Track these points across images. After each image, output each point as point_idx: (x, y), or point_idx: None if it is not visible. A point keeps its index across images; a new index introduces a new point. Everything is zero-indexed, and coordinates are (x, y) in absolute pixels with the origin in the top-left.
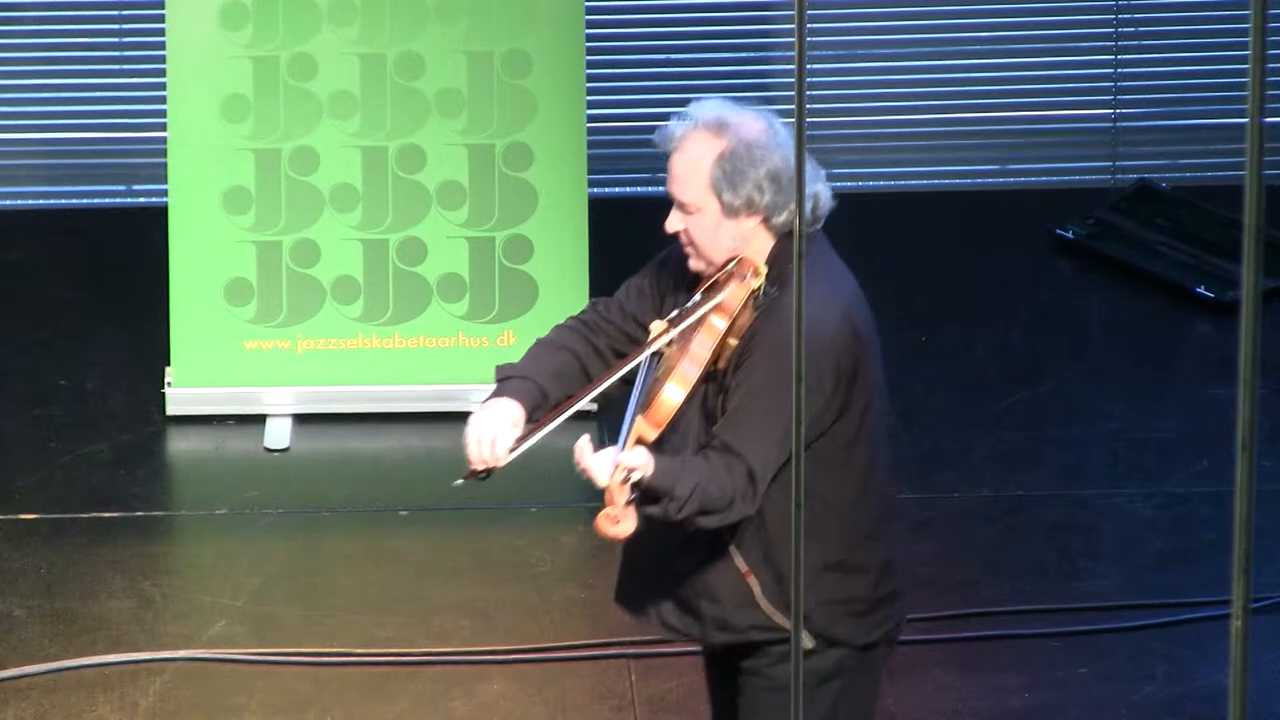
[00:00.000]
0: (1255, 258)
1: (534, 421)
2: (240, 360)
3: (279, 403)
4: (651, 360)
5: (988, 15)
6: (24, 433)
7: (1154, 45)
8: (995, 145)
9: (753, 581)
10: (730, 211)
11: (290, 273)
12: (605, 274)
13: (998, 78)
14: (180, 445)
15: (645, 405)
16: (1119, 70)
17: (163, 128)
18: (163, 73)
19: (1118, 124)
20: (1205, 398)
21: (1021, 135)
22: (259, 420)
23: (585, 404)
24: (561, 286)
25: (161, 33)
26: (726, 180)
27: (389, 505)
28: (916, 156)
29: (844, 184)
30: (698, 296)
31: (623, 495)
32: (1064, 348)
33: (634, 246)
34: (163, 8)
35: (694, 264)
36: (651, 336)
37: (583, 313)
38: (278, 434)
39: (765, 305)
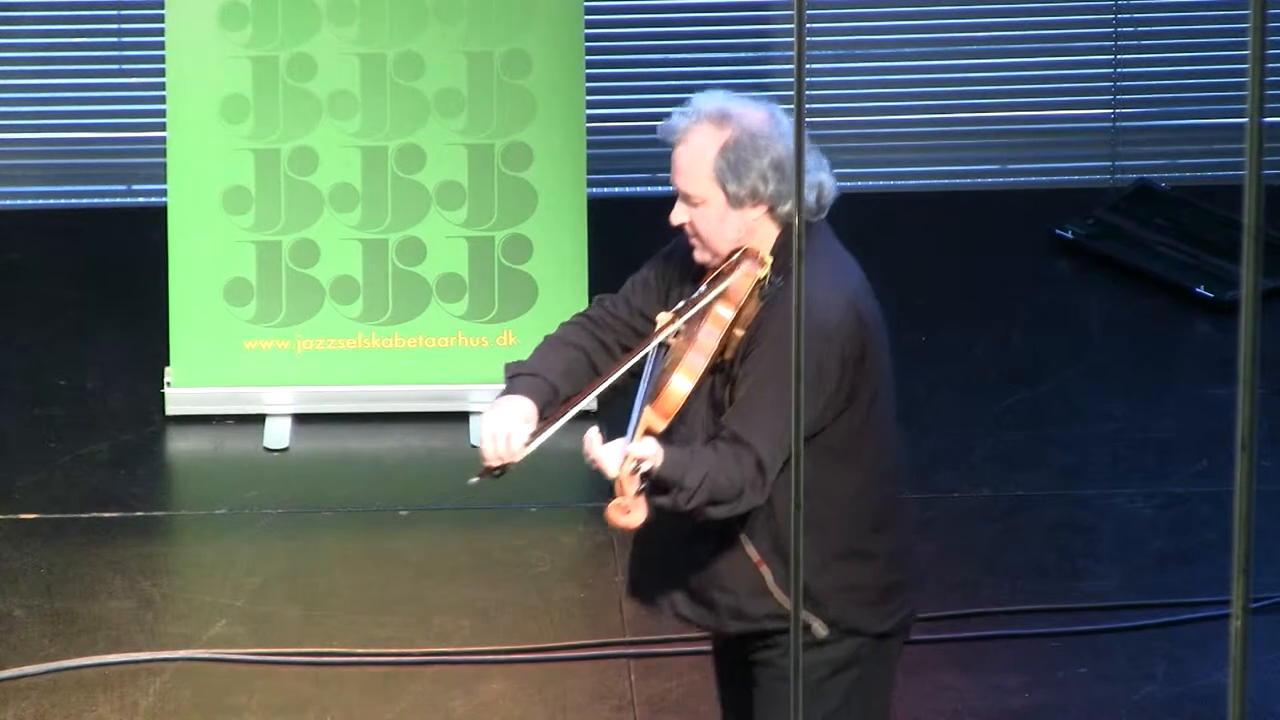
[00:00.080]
0: (1255, 258)
1: (546, 419)
2: (240, 360)
3: (279, 402)
4: (659, 352)
5: (988, 15)
6: (24, 433)
7: (1154, 45)
8: (995, 145)
9: (765, 571)
10: (735, 202)
11: (290, 273)
12: (605, 274)
13: (998, 78)
14: (180, 445)
15: (653, 396)
16: (1118, 70)
17: (162, 128)
18: (162, 73)
19: (1117, 124)
20: (1205, 398)
21: (1021, 135)
22: (259, 420)
23: (589, 402)
24: (561, 286)
25: (161, 33)
26: (730, 171)
27: (389, 505)
28: (916, 156)
29: (844, 184)
30: (703, 288)
31: (632, 485)
32: (1064, 348)
33: (634, 246)
34: (162, 8)
35: (699, 256)
36: (658, 328)
37: (589, 309)
38: (277, 434)
39: (771, 295)
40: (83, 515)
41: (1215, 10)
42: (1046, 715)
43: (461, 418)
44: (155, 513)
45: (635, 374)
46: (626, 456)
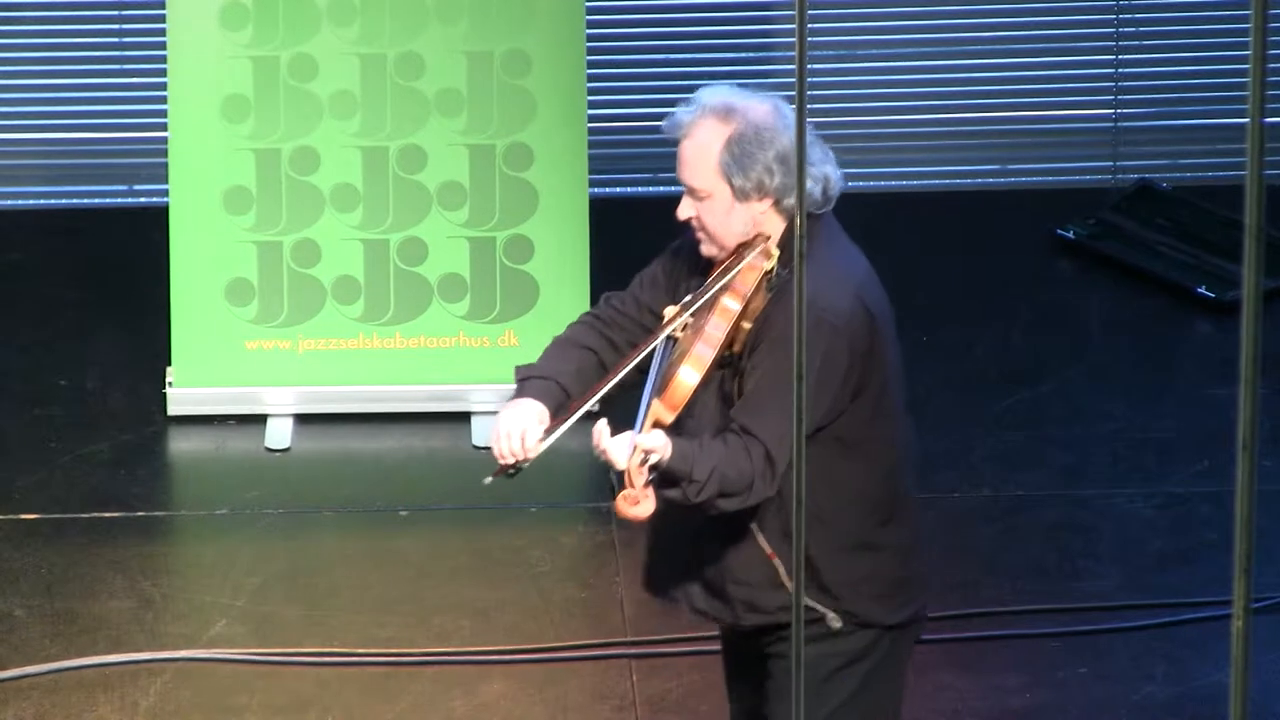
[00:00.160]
0: (1256, 258)
1: (557, 418)
2: (241, 360)
3: (280, 403)
4: (666, 345)
5: (988, 15)
6: (24, 433)
7: (1154, 45)
8: (995, 145)
9: (778, 563)
10: (741, 195)
11: (291, 273)
12: (606, 274)
13: (998, 78)
14: (181, 445)
15: (661, 389)
16: (1119, 70)
17: (163, 128)
18: (163, 73)
19: (1118, 124)
20: (1205, 398)
21: (1021, 135)
22: (260, 420)
23: (593, 402)
24: (562, 286)
25: (162, 33)
26: (736, 164)
27: (389, 505)
28: (916, 156)
29: (844, 184)
30: (710, 281)
31: (641, 477)
32: (1064, 348)
33: (635, 246)
34: (163, 8)
35: (706, 250)
36: (665, 321)
37: (597, 308)
38: (279, 434)
39: (778, 287)
40: (83, 515)
41: (1216, 10)
42: (1046, 715)
43: (463, 418)
44: (156, 513)
45: (644, 369)
46: (635, 448)
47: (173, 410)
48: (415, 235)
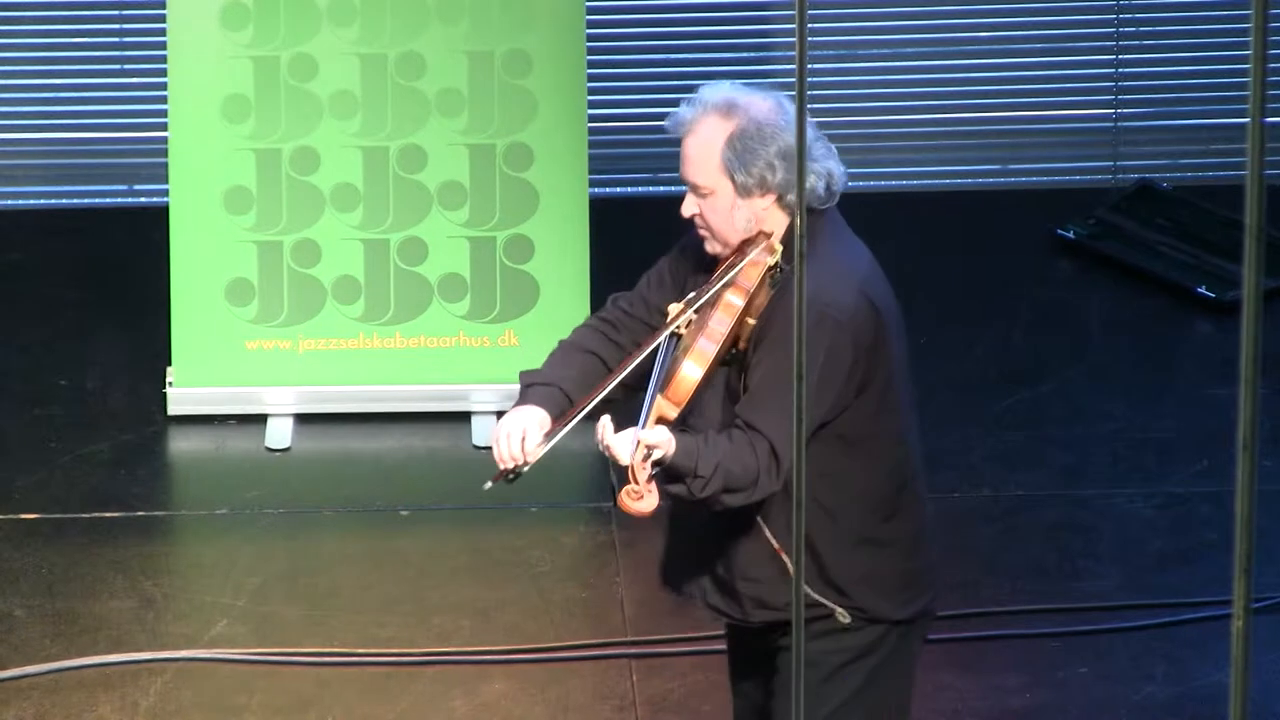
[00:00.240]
0: (1256, 257)
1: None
2: (241, 360)
3: (280, 402)
4: (670, 341)
5: (988, 15)
6: (24, 433)
7: (1154, 45)
8: (995, 145)
9: (786, 558)
10: (744, 191)
11: (291, 273)
12: (606, 274)
13: (998, 78)
14: (181, 445)
15: (664, 384)
16: (1119, 70)
17: (163, 128)
18: (163, 73)
19: (1118, 124)
20: (1205, 398)
21: (1021, 135)
22: (260, 420)
23: (594, 404)
24: (563, 286)
25: (162, 33)
26: (738, 160)
27: (389, 505)
28: (916, 156)
29: (847, 179)
30: (715, 278)
31: (644, 472)
32: (1064, 348)
33: (635, 246)
34: (163, 8)
35: (710, 247)
36: (669, 318)
37: (603, 310)
38: (279, 434)
39: (782, 282)
40: (84, 515)
41: (1217, 10)
42: (1046, 715)
43: (463, 418)
44: (156, 513)
45: (649, 366)
46: (638, 444)
47: (173, 410)
48: (415, 235)
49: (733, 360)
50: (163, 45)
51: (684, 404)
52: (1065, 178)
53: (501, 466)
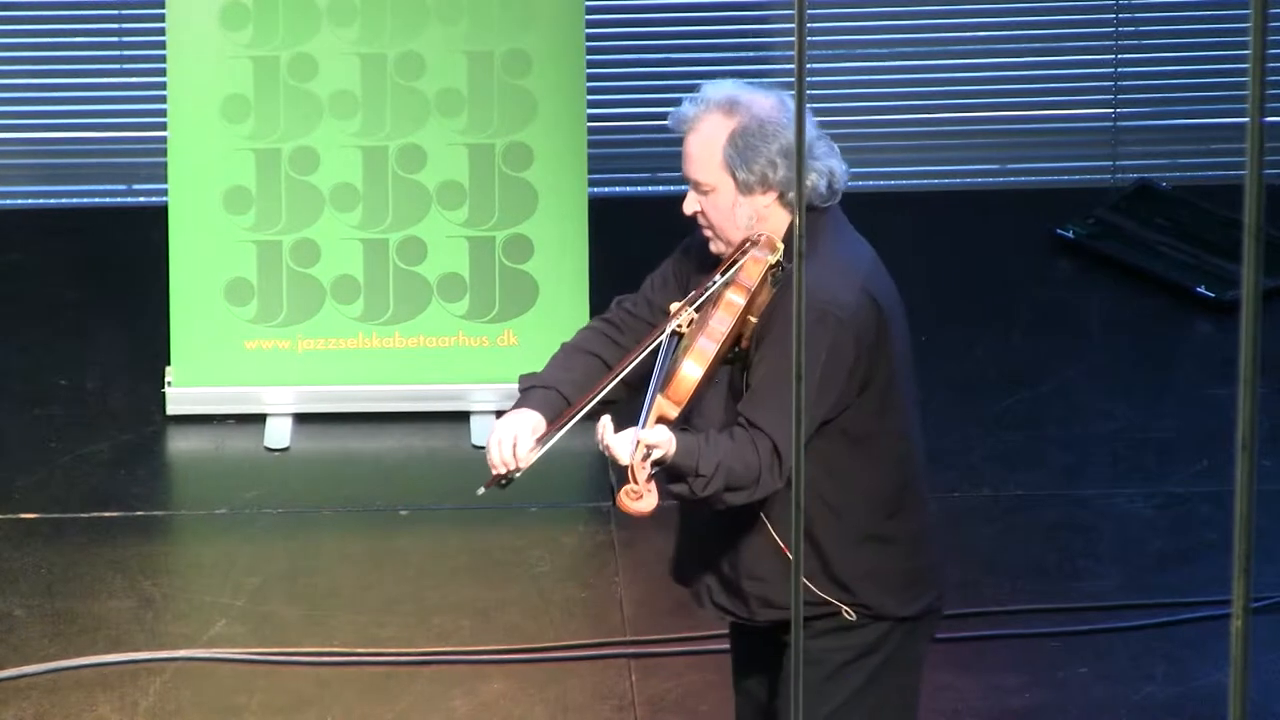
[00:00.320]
0: (1255, 257)
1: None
2: (240, 360)
3: (279, 402)
4: (671, 340)
5: (987, 15)
6: (24, 433)
7: (1154, 45)
8: (995, 145)
9: (791, 557)
10: (745, 189)
11: (290, 272)
12: (605, 274)
13: (998, 78)
14: (180, 445)
15: (665, 384)
16: (1119, 70)
17: (163, 127)
18: (163, 72)
19: (1118, 124)
20: (1205, 398)
21: (1022, 135)
22: (259, 420)
23: (591, 406)
24: (562, 286)
25: (162, 32)
26: (740, 158)
27: (389, 505)
28: (916, 156)
29: (849, 177)
30: (717, 276)
31: (643, 472)
32: (1064, 348)
33: (634, 246)
34: (163, 7)
35: (713, 246)
36: (669, 317)
37: (608, 312)
38: (278, 434)
39: (784, 280)
40: (83, 515)
41: (1215, 10)
42: (1046, 715)
43: (462, 417)
44: (156, 512)
45: (650, 366)
46: (638, 443)
47: (172, 410)
48: (415, 235)
49: (735, 358)
50: (162, 45)
51: (684, 403)
52: (1064, 177)
53: (494, 472)
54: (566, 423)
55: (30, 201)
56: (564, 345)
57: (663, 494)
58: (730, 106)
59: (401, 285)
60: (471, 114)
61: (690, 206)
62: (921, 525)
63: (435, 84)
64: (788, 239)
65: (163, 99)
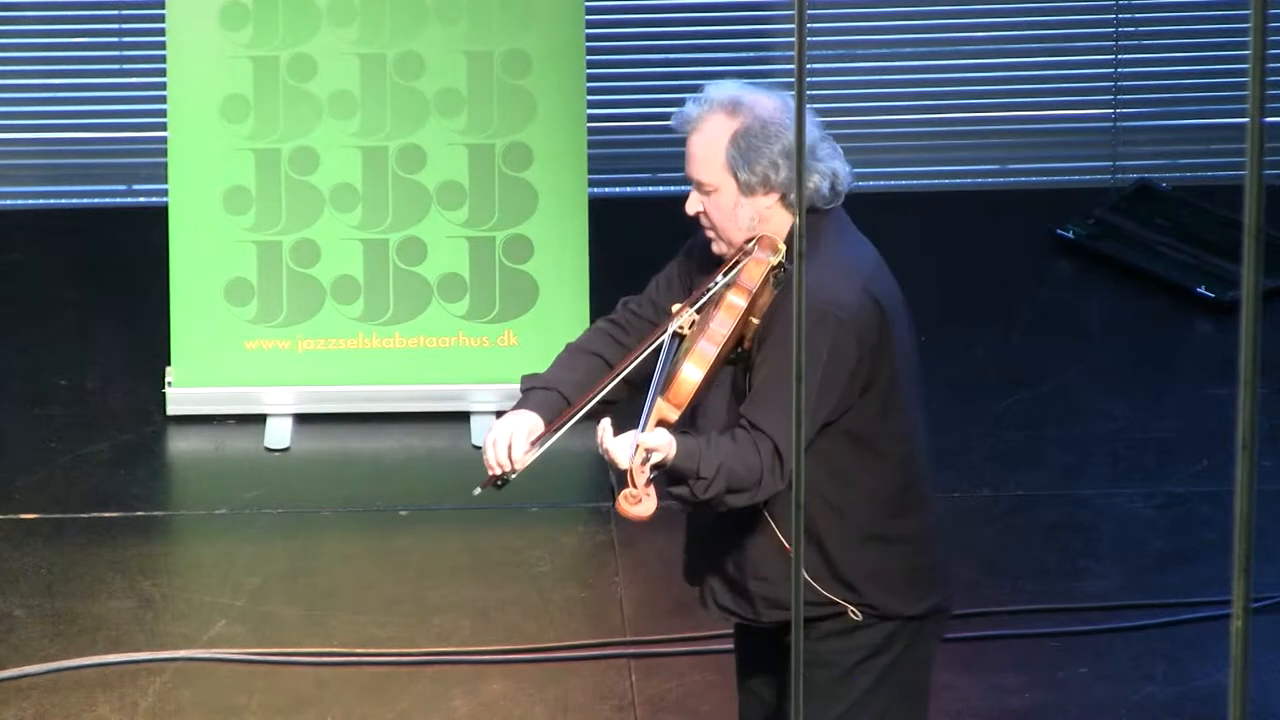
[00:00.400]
0: (1255, 257)
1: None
2: (240, 360)
3: (279, 402)
4: (672, 342)
5: (988, 15)
6: (24, 433)
7: (1154, 45)
8: (995, 145)
9: None
10: (747, 190)
11: (290, 272)
12: (605, 274)
13: (998, 78)
14: (180, 445)
15: (665, 386)
16: (1119, 70)
17: (163, 128)
18: (163, 73)
19: (1118, 124)
20: (1205, 398)
21: (1021, 135)
22: (259, 420)
23: (589, 408)
24: (562, 286)
25: (161, 33)
26: (742, 158)
27: (389, 505)
28: (916, 156)
29: (853, 179)
30: (719, 277)
31: (642, 476)
32: (1064, 348)
33: (635, 246)
34: (163, 8)
35: (716, 247)
36: (670, 318)
37: (613, 313)
38: (278, 434)
39: (786, 281)
40: (83, 515)
41: (1216, 10)
42: (1046, 715)
43: (462, 418)
44: (155, 513)
45: (651, 367)
46: (637, 447)
47: (172, 410)
48: (414, 235)
49: (738, 359)
50: (162, 45)
51: (685, 406)
52: (1064, 178)
53: (490, 473)
54: (563, 425)
55: (30, 201)
56: (568, 345)
57: (663, 497)
58: (733, 107)
59: (401, 285)
60: (471, 114)
61: (693, 207)
62: (927, 525)
63: (435, 84)
64: (789, 240)
65: (163, 99)
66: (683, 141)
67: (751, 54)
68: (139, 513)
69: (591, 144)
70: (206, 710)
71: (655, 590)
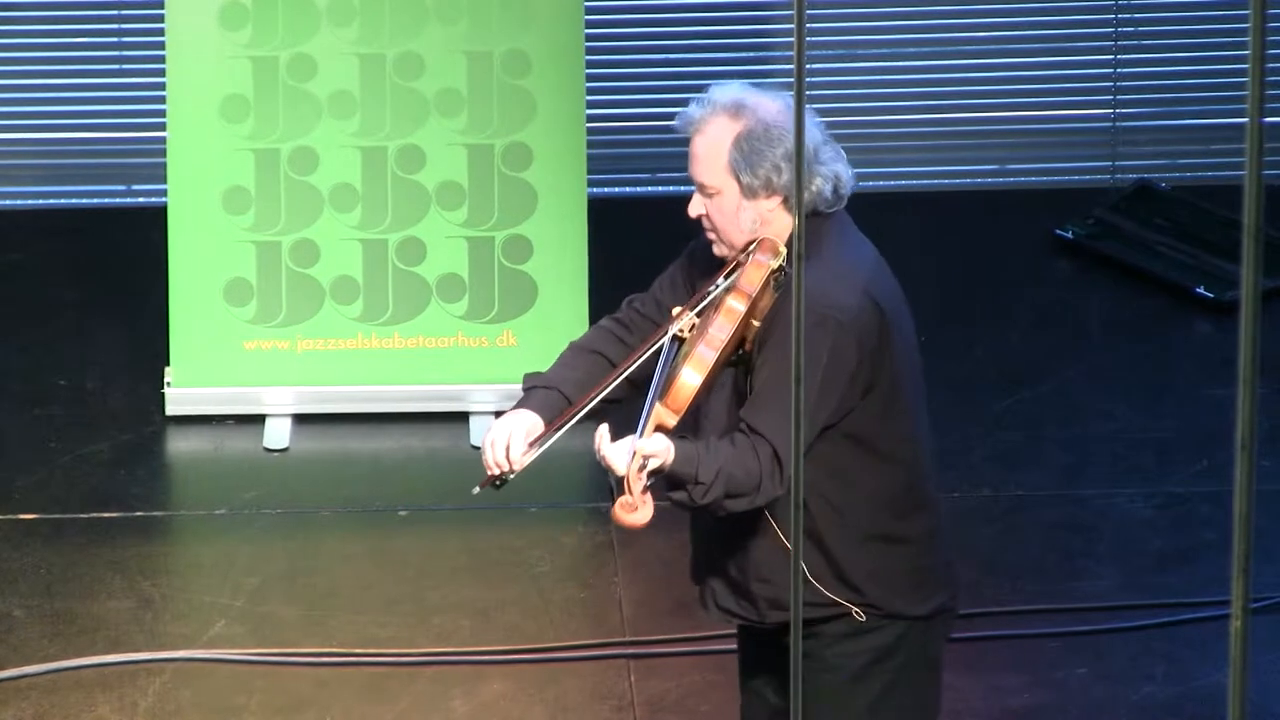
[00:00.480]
0: (1255, 258)
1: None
2: (240, 360)
3: (278, 403)
4: (672, 346)
5: (987, 15)
6: (24, 433)
7: (1154, 45)
8: (995, 145)
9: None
10: (749, 193)
11: (290, 273)
12: (605, 274)
13: (998, 78)
14: (180, 445)
15: (663, 391)
16: (1118, 70)
17: (162, 128)
18: (162, 73)
19: (1117, 124)
20: (1205, 398)
21: (1021, 135)
22: (258, 420)
23: (588, 409)
24: (561, 286)
25: (161, 33)
26: (745, 161)
27: (388, 505)
28: (916, 156)
29: (856, 183)
30: (720, 280)
31: (639, 483)
32: (1064, 348)
33: (634, 246)
34: (162, 8)
35: (717, 249)
36: (669, 322)
37: (618, 311)
38: (277, 434)
39: (786, 284)
40: (82, 515)
41: (1215, 10)
42: (1046, 715)
43: (461, 418)
44: (155, 513)
45: (651, 370)
46: (634, 454)
47: (171, 410)
48: (414, 235)
49: (740, 361)
50: (161, 45)
51: (683, 411)
52: (1064, 178)
53: (488, 473)
54: (562, 426)
55: (30, 201)
56: (571, 344)
57: (657, 504)
58: (736, 109)
59: (401, 286)
60: (471, 114)
61: (695, 209)
62: (931, 525)
63: (434, 84)
64: (790, 243)
65: (162, 99)
66: (683, 141)
67: (751, 54)
68: (138, 513)
69: (591, 144)
70: (206, 710)
71: (654, 590)
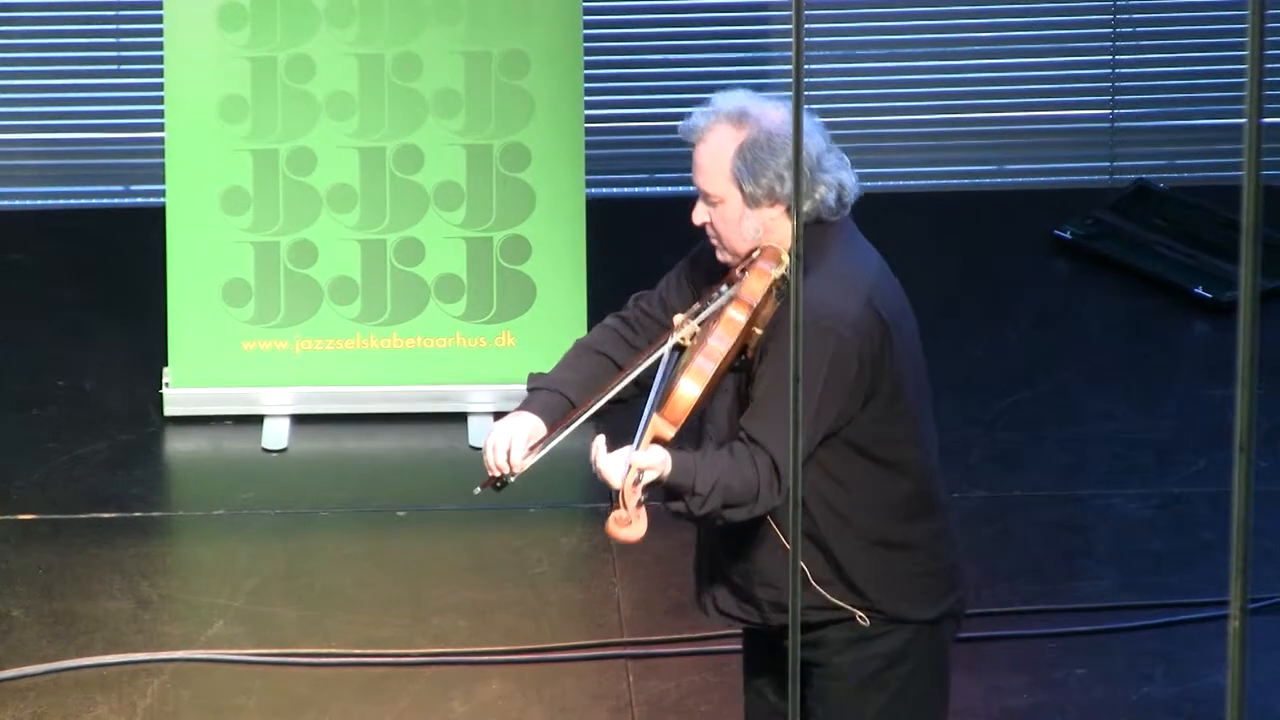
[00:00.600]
0: (1253, 258)
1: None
2: (238, 361)
3: (277, 403)
4: (673, 355)
5: (987, 15)
6: (23, 433)
7: (1152, 45)
8: (994, 145)
9: (802, 564)
10: (752, 201)
11: (288, 273)
12: (603, 274)
13: (997, 78)
14: (178, 446)
15: (661, 403)
16: (1117, 70)
17: (161, 128)
18: (161, 73)
19: (1116, 124)
20: (1204, 398)
21: (1020, 135)
22: (257, 421)
23: (589, 414)
24: (559, 287)
25: (159, 33)
26: (748, 170)
27: (387, 505)
28: (916, 156)
29: (859, 190)
30: (722, 288)
31: (634, 497)
32: (1063, 348)
33: (632, 247)
34: (161, 8)
35: (720, 256)
36: (670, 330)
37: (624, 309)
38: (276, 434)
39: (788, 293)
40: (81, 516)
41: (1214, 10)
42: (1045, 715)
43: (460, 418)
44: (153, 513)
45: (651, 377)
46: (630, 467)
47: (170, 411)
48: (412, 235)
49: (742, 368)
50: (160, 46)
51: (681, 423)
52: (1062, 178)
53: (489, 475)
54: (562, 430)
55: (30, 202)
56: (577, 343)
57: (651, 518)
58: (739, 118)
59: (399, 286)
60: (469, 114)
61: (699, 217)
62: (936, 529)
63: (433, 84)
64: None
65: (160, 100)
66: (681, 142)
67: (750, 55)
68: (137, 513)
69: (589, 144)
70: (205, 711)
71: (653, 591)
